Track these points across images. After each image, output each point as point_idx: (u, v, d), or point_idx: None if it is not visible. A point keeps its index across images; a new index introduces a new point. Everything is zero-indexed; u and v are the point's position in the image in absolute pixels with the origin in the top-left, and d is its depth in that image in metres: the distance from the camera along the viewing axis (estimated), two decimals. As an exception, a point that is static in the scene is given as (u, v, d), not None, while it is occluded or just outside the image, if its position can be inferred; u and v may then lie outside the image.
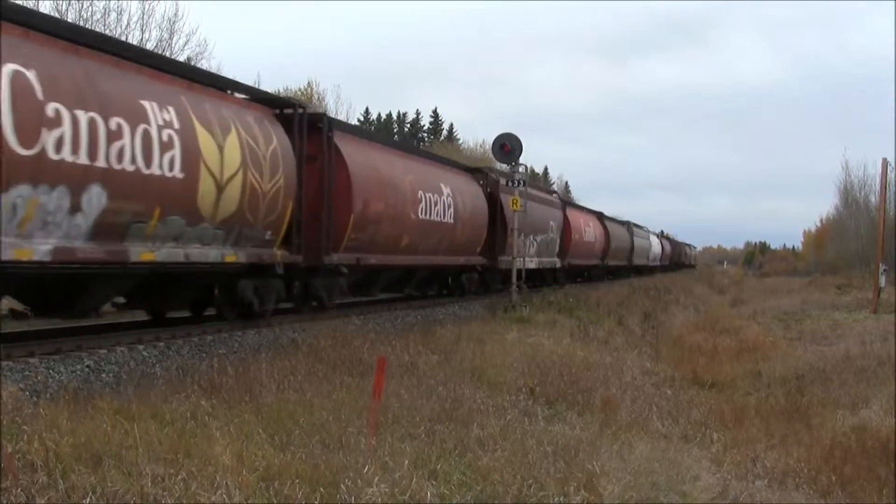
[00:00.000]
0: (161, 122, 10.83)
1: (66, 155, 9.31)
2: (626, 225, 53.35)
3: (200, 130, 11.65)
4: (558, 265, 33.34)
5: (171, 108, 11.12)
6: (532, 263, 28.15)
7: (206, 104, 12.17)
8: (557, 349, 15.55)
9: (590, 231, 39.18)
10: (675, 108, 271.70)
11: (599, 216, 44.88)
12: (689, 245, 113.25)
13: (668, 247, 79.15)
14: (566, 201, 39.67)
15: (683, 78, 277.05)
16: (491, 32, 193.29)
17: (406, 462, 6.77)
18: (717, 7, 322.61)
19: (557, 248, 33.08)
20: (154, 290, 12.62)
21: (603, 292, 32.08)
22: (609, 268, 46.17)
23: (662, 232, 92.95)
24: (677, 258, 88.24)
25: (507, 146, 24.61)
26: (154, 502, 5.54)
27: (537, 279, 30.72)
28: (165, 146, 10.87)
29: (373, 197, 16.99)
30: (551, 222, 31.63)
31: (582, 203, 60.31)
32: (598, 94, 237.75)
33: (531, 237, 27.89)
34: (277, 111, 14.52)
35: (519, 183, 24.20)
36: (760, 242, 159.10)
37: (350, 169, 16.07)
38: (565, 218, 34.57)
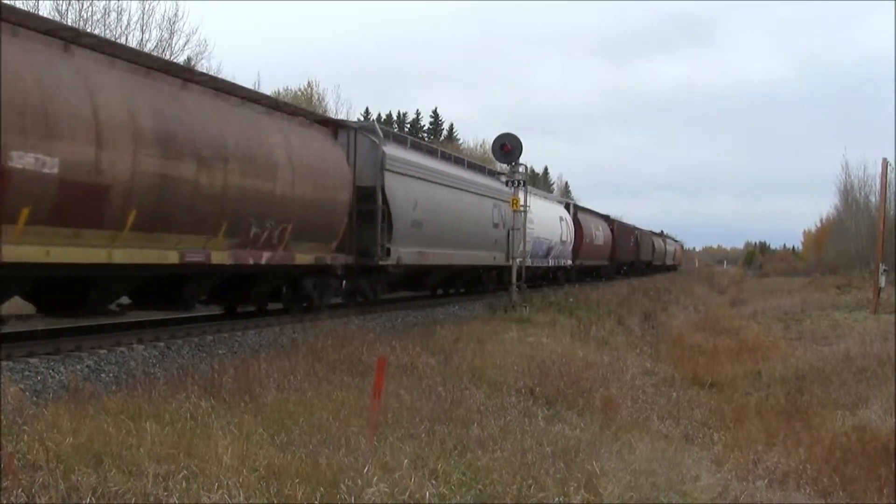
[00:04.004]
0: None
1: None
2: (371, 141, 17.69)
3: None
4: None
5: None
6: None
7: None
8: (557, 349, 15.56)
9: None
10: (676, 108, 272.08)
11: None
12: (663, 236, 78.30)
13: (600, 232, 43.45)
14: None
15: (685, 77, 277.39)
16: (491, 32, 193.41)
17: (406, 462, 6.77)
18: (719, 7, 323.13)
19: None
20: None
21: (603, 292, 32.07)
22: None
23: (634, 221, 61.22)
24: (633, 255, 55.04)
25: (507, 146, 24.66)
26: (155, 502, 5.54)
27: None
28: None
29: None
30: None
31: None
32: (599, 93, 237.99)
33: None
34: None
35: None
36: (760, 242, 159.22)
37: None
38: None
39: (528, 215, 27.47)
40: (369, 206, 17.01)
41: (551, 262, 33.11)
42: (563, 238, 34.41)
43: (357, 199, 16.58)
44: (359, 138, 17.22)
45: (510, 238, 25.70)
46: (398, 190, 18.12)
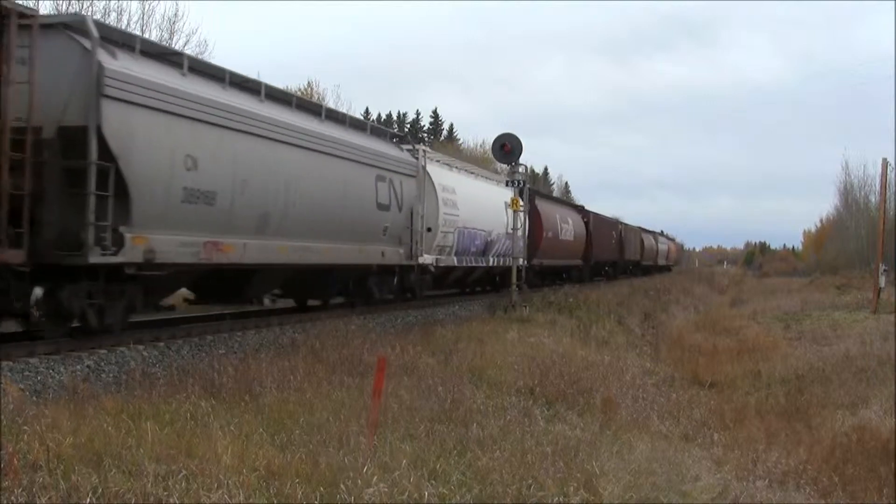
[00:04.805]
0: None
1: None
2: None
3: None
4: None
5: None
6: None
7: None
8: (557, 349, 15.57)
9: None
10: (676, 108, 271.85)
11: None
12: (655, 233, 71.52)
13: (568, 226, 35.50)
14: None
15: (685, 77, 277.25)
16: (492, 32, 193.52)
17: (405, 462, 6.77)
18: (719, 7, 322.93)
19: None
20: None
21: (603, 292, 32.05)
22: None
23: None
24: (616, 254, 46.84)
25: (507, 146, 24.64)
26: (155, 502, 5.55)
27: None
28: None
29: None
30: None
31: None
32: (600, 93, 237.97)
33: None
34: None
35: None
36: (760, 242, 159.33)
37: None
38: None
39: (448, 196, 21.50)
40: (75, 162, 9.90)
41: (494, 261, 25.95)
42: (511, 230, 26.19)
43: (50, 149, 9.80)
44: (47, 41, 9.75)
45: (413, 225, 19.09)
46: (148, 136, 10.68)
